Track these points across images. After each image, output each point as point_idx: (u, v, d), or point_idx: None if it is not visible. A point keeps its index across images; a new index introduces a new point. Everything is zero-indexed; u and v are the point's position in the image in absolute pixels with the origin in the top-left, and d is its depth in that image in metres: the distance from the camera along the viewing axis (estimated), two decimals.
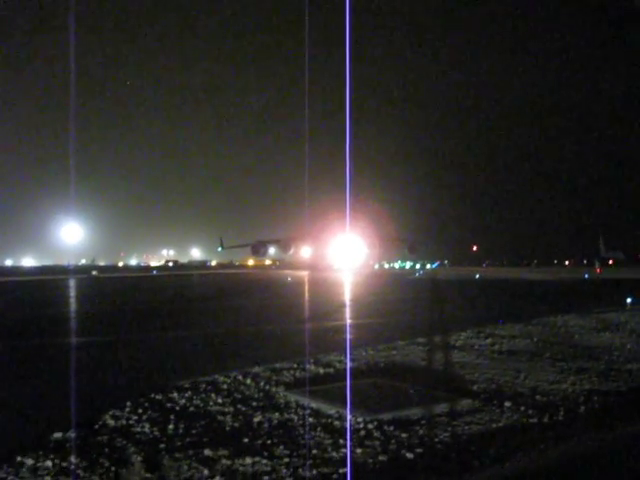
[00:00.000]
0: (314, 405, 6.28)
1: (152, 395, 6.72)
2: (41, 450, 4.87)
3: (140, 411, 6.07)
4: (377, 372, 8.18)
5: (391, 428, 5.43)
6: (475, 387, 7.18)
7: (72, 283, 42.84)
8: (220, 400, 6.57)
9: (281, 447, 4.95)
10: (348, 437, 5.17)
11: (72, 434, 5.28)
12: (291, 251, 79.50)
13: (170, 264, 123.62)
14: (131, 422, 5.69)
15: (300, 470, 4.46)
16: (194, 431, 5.42)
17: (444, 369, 8.59)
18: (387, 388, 7.13)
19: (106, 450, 4.90)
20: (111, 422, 5.69)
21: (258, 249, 78.67)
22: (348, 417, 5.74)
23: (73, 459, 4.69)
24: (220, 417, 5.89)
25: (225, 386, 7.26)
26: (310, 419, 5.77)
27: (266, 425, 5.60)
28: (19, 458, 4.68)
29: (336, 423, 5.64)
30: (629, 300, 18.82)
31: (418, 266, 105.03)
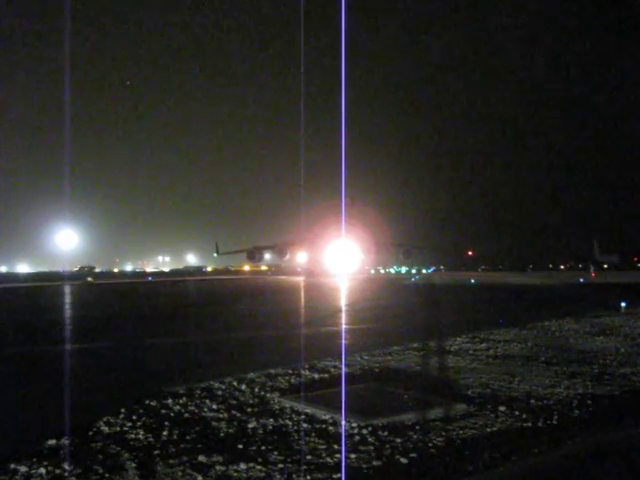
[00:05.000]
0: (309, 411, 6.27)
1: (146, 401, 6.70)
2: (34, 457, 4.85)
3: (134, 417, 6.05)
4: (372, 377, 8.18)
5: (385, 433, 5.44)
6: (470, 392, 7.19)
7: (67, 290, 42.67)
8: (215, 406, 6.55)
9: (275, 453, 4.95)
10: (343, 442, 5.17)
11: (66, 440, 5.27)
12: (287, 257, 79.32)
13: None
14: (125, 428, 5.68)
15: (294, 476, 4.46)
16: (188, 437, 5.41)
17: (439, 374, 8.60)
18: (382, 393, 7.13)
19: (100, 457, 4.89)
20: (105, 428, 5.67)
21: (254, 255, 78.36)
22: (343, 423, 5.74)
23: (67, 466, 4.67)
24: (214, 423, 5.88)
25: (220, 392, 7.25)
26: (304, 425, 5.77)
27: (260, 431, 5.60)
28: (12, 465, 4.65)
29: (330, 428, 5.64)
30: (623, 304, 18.87)
31: (414, 271, 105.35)
